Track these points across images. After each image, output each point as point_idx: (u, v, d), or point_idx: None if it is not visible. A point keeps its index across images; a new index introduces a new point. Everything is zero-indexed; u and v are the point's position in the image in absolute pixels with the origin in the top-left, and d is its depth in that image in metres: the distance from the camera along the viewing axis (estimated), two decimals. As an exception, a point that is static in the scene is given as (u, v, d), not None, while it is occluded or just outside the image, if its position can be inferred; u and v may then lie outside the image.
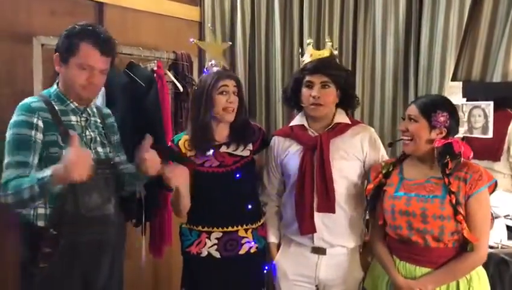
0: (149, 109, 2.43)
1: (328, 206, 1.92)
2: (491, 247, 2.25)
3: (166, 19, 2.96)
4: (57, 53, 1.74)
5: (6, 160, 1.64)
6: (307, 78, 1.97)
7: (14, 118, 1.67)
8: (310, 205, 1.93)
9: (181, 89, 2.76)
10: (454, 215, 1.65)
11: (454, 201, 1.65)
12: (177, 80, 2.75)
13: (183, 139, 2.02)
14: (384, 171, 1.84)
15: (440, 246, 1.69)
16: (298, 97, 2.02)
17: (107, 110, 1.97)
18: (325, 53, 2.04)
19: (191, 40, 2.22)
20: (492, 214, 2.27)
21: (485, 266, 1.77)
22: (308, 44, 2.12)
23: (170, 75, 2.72)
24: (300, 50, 2.19)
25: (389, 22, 2.61)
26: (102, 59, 1.73)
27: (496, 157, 3.03)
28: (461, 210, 1.65)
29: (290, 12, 2.94)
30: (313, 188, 1.93)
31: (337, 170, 1.94)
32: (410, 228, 1.71)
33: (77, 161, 1.51)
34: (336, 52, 2.09)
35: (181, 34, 3.05)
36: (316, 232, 1.94)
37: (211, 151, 1.95)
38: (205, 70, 2.07)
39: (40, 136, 1.65)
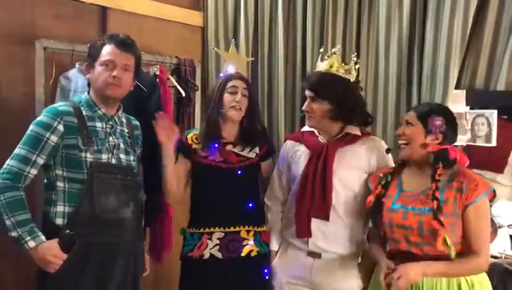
0: (151, 113, 2.42)
1: (323, 213, 1.93)
2: (495, 257, 2.23)
3: (170, 23, 2.96)
4: (85, 63, 1.91)
5: (15, 150, 1.75)
6: (305, 91, 2.03)
7: (39, 117, 1.79)
8: (308, 209, 1.95)
9: (183, 94, 2.75)
10: (434, 218, 1.63)
11: (435, 206, 1.64)
12: (179, 84, 2.74)
13: (192, 133, 2.13)
14: (383, 183, 1.83)
15: (441, 254, 1.66)
16: None
17: (136, 122, 2.05)
18: (324, 65, 2.02)
19: (211, 47, 2.45)
20: (496, 224, 2.26)
21: (489, 276, 1.75)
22: (320, 54, 2.11)
23: (173, 80, 2.72)
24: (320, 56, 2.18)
25: (393, 29, 2.60)
26: (123, 55, 1.83)
27: (500, 169, 3.00)
28: (441, 217, 1.63)
29: (294, 18, 2.94)
30: (313, 193, 1.94)
31: (339, 179, 1.95)
32: (408, 241, 1.71)
33: (52, 260, 1.68)
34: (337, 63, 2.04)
35: (184, 39, 3.05)
36: (311, 237, 1.96)
37: (215, 145, 2.03)
38: (219, 74, 2.16)
39: (55, 138, 1.74)
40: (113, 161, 1.83)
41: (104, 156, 1.80)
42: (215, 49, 2.36)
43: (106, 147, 1.82)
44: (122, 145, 1.88)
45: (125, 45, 1.85)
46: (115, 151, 1.84)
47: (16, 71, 2.34)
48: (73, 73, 2.36)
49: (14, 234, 1.66)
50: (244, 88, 2.04)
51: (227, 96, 2.02)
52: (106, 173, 1.79)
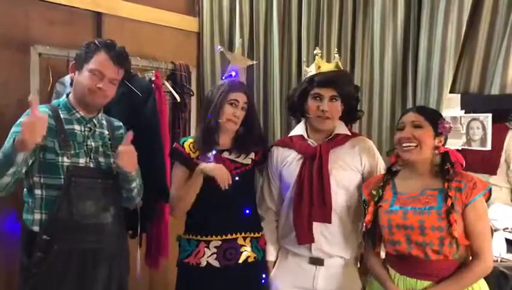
0: (147, 118, 2.42)
1: (324, 215, 1.91)
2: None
3: (165, 29, 2.96)
4: (73, 61, 1.85)
5: None
6: (316, 90, 1.96)
7: (20, 119, 1.72)
8: (307, 214, 1.92)
9: (179, 99, 2.75)
10: (447, 216, 1.63)
11: (449, 204, 1.64)
12: (175, 90, 2.74)
13: (188, 142, 2.08)
14: (376, 198, 1.81)
15: (441, 259, 1.67)
16: (303, 107, 2.02)
17: (119, 123, 2.00)
18: (331, 66, 2.03)
19: (218, 47, 2.40)
20: (491, 227, 2.25)
21: (485, 279, 1.74)
22: (316, 55, 2.07)
23: (168, 85, 2.72)
24: (305, 59, 2.18)
25: (387, 33, 2.62)
26: (114, 69, 1.80)
27: (493, 171, 3.01)
28: (455, 214, 1.64)
29: (289, 22, 2.94)
30: (311, 197, 1.92)
31: (336, 180, 1.94)
32: (409, 241, 1.69)
33: (29, 122, 1.55)
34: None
35: (179, 44, 3.06)
36: (314, 242, 1.93)
37: (213, 153, 2.01)
38: (223, 78, 2.16)
39: None
40: (92, 165, 1.79)
41: (82, 160, 1.77)
42: (222, 49, 2.33)
43: (84, 151, 1.78)
44: (101, 148, 1.84)
45: (119, 58, 1.81)
46: (92, 154, 1.80)
47: (11, 77, 2.33)
48: (68, 79, 2.35)
49: None
50: (245, 102, 2.03)
51: (227, 108, 1.99)
52: (84, 177, 1.76)
